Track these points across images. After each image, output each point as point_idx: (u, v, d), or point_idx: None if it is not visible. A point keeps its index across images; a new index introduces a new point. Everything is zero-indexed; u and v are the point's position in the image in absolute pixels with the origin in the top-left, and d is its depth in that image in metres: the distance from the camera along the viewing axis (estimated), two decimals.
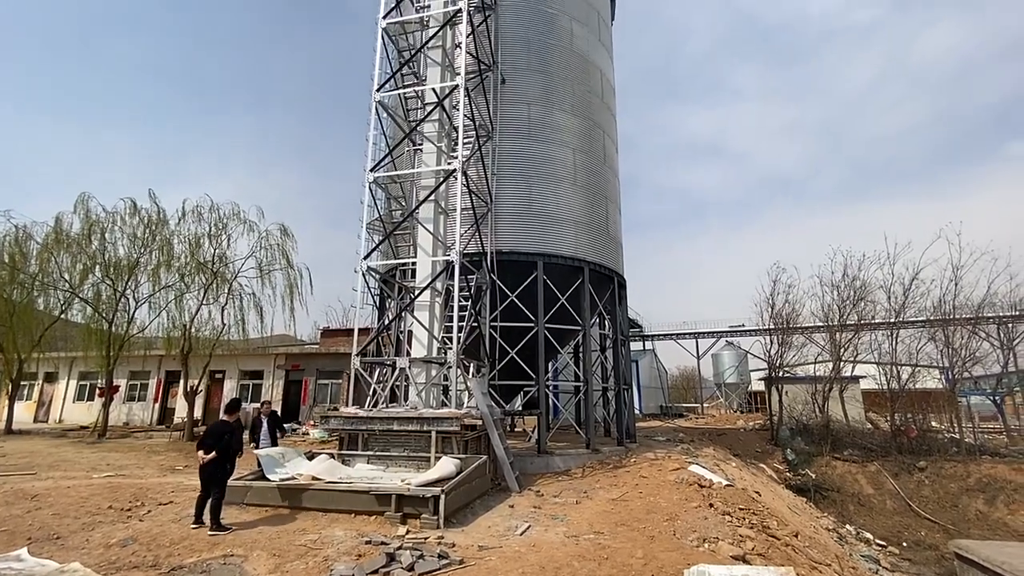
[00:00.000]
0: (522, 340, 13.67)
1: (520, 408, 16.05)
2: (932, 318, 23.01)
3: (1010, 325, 24.98)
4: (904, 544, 15.80)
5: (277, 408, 23.13)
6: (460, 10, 12.80)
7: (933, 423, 22.90)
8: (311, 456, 9.85)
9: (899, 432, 20.83)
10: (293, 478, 8.64)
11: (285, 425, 19.39)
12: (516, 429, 19.13)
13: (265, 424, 9.79)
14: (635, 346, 42.06)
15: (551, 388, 18.00)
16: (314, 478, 8.54)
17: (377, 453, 9.88)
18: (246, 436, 9.26)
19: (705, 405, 44.22)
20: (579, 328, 14.83)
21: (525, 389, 15.31)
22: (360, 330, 12.88)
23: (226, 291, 20.56)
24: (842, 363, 23.21)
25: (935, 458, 19.03)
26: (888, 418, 22.16)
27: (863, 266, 22.99)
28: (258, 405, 10.25)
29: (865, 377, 25.65)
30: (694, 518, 7.91)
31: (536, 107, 15.28)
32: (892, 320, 23.01)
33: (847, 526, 15.76)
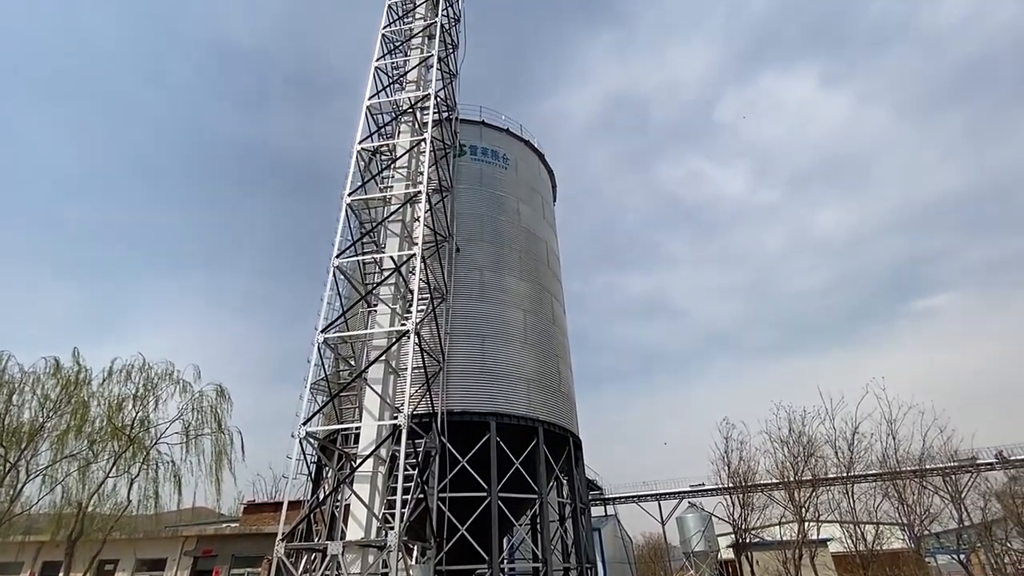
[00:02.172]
0: (473, 513, 12.55)
1: None
2: (882, 472, 23.33)
3: (953, 476, 25.59)
4: None
5: None
6: (420, 192, 14.29)
7: None
8: None
9: None
10: None
11: None
12: None
13: None
14: (596, 511, 39.31)
15: (506, 572, 16.05)
16: None
17: None
18: None
19: None
20: (535, 496, 13.89)
21: (477, 574, 13.58)
22: (291, 503, 11.52)
23: (140, 460, 18.33)
24: (806, 524, 22.41)
25: None
26: None
27: (806, 421, 23.70)
28: None
29: (832, 540, 24.65)
30: None
31: (488, 272, 16.36)
32: (844, 475, 23.08)
33: None
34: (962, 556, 26.34)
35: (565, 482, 16.87)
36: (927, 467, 23.76)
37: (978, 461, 28.84)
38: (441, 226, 15.60)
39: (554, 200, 22.78)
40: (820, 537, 24.07)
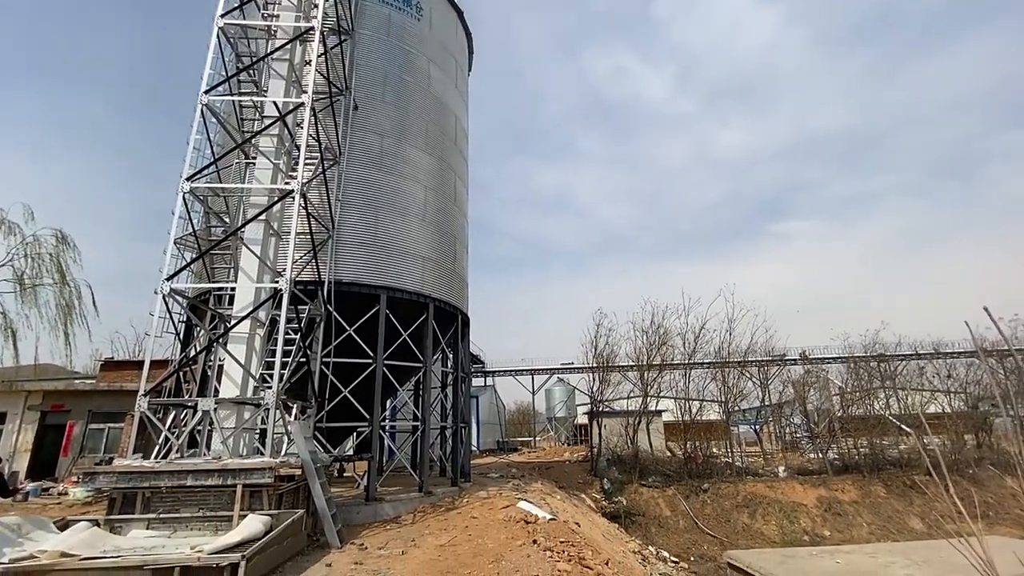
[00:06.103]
0: (358, 378, 12.90)
1: (351, 452, 14.95)
2: (714, 361, 27.97)
3: (764, 368, 31.59)
4: (692, 558, 18.25)
5: (23, 461, 18.09)
6: (312, 28, 12.22)
7: (714, 450, 27.37)
8: (64, 525, 7.77)
9: (689, 459, 24.39)
10: (32, 556, 6.67)
11: (34, 484, 15.21)
12: (346, 475, 17.68)
13: None
14: (477, 382, 42.83)
15: (387, 429, 17.16)
16: (64, 554, 6.71)
17: (162, 516, 8.19)
18: None
19: (538, 439, 46.55)
20: (420, 365, 14.55)
21: (358, 431, 14.35)
22: (155, 362, 10.86)
23: None
24: (649, 399, 26.63)
25: (715, 480, 22.63)
26: (682, 447, 25.85)
27: (665, 316, 27.06)
28: None
29: (666, 411, 29.72)
30: (518, 557, 8.09)
31: (389, 139, 15.11)
32: (686, 362, 27.33)
33: (650, 547, 17.66)
34: (757, 427, 33.57)
35: (450, 354, 17.83)
36: (748, 360, 28.96)
37: (785, 357, 35.69)
38: (337, 76, 13.77)
39: (469, 70, 21.03)
40: (658, 408, 28.88)
